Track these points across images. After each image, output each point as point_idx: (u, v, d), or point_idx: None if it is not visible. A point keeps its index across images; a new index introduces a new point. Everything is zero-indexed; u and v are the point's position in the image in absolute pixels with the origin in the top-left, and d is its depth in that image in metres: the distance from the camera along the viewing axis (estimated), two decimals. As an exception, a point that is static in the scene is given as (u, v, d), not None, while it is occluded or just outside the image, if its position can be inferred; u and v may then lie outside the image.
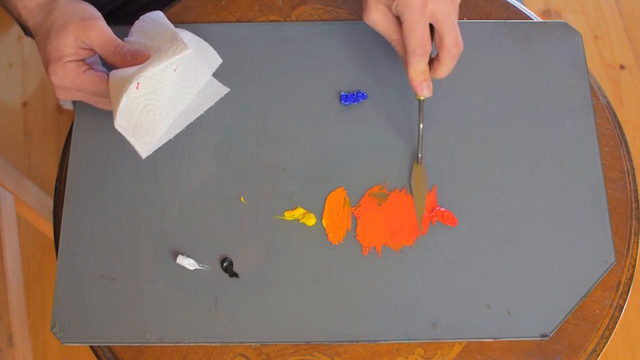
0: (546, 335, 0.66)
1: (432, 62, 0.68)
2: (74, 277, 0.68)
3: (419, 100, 0.69)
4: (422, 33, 0.65)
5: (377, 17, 0.68)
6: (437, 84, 0.71)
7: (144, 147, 0.68)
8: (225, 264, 0.68)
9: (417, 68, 0.67)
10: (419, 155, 0.71)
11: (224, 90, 0.74)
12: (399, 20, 0.68)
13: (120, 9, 0.91)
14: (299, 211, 0.70)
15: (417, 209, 0.70)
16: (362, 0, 0.70)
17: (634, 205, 0.72)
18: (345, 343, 0.66)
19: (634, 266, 0.70)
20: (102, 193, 0.71)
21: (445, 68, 0.67)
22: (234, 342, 0.66)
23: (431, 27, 0.67)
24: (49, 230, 1.27)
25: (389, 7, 0.67)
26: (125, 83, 0.64)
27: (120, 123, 0.66)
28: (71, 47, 0.66)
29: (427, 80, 0.68)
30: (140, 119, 0.66)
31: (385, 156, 0.72)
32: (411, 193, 0.71)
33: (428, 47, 0.66)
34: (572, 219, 0.70)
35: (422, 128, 0.70)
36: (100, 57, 0.70)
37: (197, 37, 0.71)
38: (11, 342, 1.00)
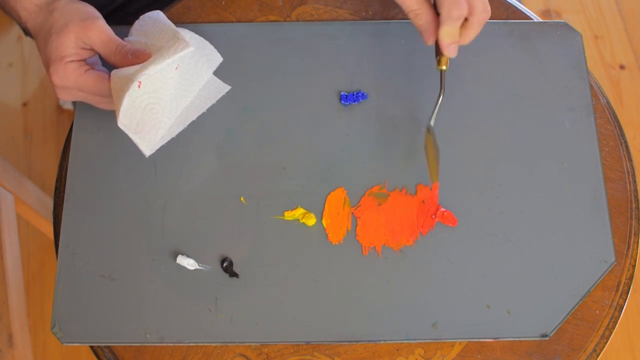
0: (546, 335, 0.66)
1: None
2: (74, 277, 0.68)
3: (441, 71, 0.71)
4: None
5: None
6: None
7: (147, 146, 0.68)
8: (225, 264, 0.68)
9: (450, 29, 0.68)
10: (431, 124, 0.71)
11: (225, 88, 0.74)
12: None
13: (121, 9, 0.91)
14: (299, 211, 0.70)
15: (431, 177, 0.70)
16: None
17: (634, 205, 0.72)
18: (345, 343, 0.66)
19: (634, 266, 0.70)
20: (102, 193, 0.71)
21: (473, 33, 0.69)
22: (234, 342, 0.66)
23: None
24: (49, 230, 1.27)
25: None
26: (127, 82, 0.64)
27: (123, 122, 0.66)
28: (72, 48, 0.66)
29: (455, 42, 0.69)
30: (143, 118, 0.66)
31: (385, 156, 0.72)
32: (427, 161, 0.70)
33: (464, 10, 0.67)
34: (572, 219, 0.70)
35: (442, 99, 0.71)
36: (101, 57, 0.70)
37: (197, 36, 0.71)
38: (11, 342, 1.00)
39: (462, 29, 0.69)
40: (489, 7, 0.68)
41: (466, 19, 0.68)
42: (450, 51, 0.70)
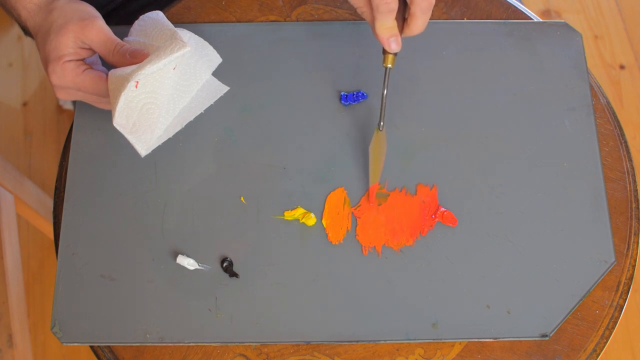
0: (546, 335, 0.66)
1: (405, 20, 0.67)
2: (74, 277, 0.68)
3: (386, 68, 0.68)
4: None
5: None
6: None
7: (143, 146, 0.68)
8: (225, 264, 0.68)
9: (383, 23, 0.65)
10: (381, 123, 0.70)
11: (223, 89, 0.74)
12: None
13: (120, 9, 0.91)
14: (299, 211, 0.70)
15: (371, 177, 0.70)
16: None
17: (634, 205, 0.72)
18: (345, 343, 0.66)
19: (634, 266, 0.70)
20: (102, 193, 0.71)
21: (418, 23, 0.66)
22: (234, 342, 0.66)
23: None
24: (49, 230, 1.27)
25: None
26: (124, 81, 0.64)
27: (119, 121, 0.66)
28: (71, 47, 0.66)
29: (394, 35, 0.66)
30: (139, 118, 0.66)
31: (385, 156, 0.72)
32: (370, 161, 0.70)
33: (392, 5, 0.64)
34: (572, 219, 0.70)
35: (386, 95, 0.68)
36: (100, 57, 0.70)
37: (196, 36, 0.71)
38: (11, 342, 1.00)
39: (408, 20, 0.66)
40: None
41: (409, 9, 0.65)
42: (389, 45, 0.66)
